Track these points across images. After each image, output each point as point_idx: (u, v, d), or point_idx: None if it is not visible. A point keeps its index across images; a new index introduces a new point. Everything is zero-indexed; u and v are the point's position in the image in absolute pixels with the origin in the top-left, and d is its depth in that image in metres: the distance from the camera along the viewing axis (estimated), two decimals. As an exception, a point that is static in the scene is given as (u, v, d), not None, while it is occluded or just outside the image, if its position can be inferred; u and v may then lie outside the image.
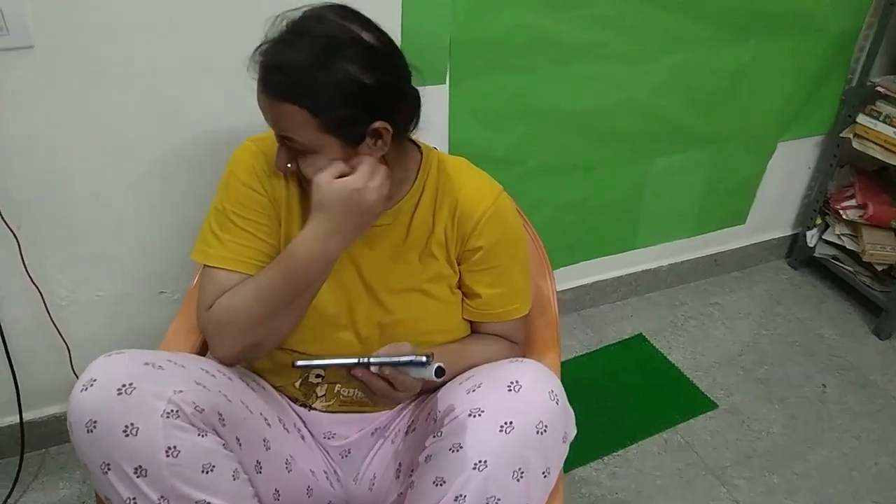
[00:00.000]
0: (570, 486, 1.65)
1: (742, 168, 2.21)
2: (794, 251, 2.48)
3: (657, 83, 1.88)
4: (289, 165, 0.93)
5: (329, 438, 1.07)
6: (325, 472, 1.05)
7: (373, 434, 1.09)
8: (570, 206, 1.98)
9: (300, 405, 1.09)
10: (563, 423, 0.86)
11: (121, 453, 0.77)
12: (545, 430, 0.82)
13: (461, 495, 0.82)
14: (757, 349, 2.11)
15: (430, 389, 1.04)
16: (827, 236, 2.36)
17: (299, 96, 0.85)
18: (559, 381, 0.91)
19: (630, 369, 2.02)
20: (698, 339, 2.14)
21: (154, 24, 1.30)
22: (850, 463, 1.75)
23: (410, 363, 0.85)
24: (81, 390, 0.79)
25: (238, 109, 1.35)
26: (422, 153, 1.09)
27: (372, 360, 0.87)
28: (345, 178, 0.88)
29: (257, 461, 0.92)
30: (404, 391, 0.90)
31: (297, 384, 1.07)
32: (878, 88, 2.05)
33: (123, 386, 0.78)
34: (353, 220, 0.89)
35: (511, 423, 0.82)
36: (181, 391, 0.81)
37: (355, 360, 0.88)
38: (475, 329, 1.12)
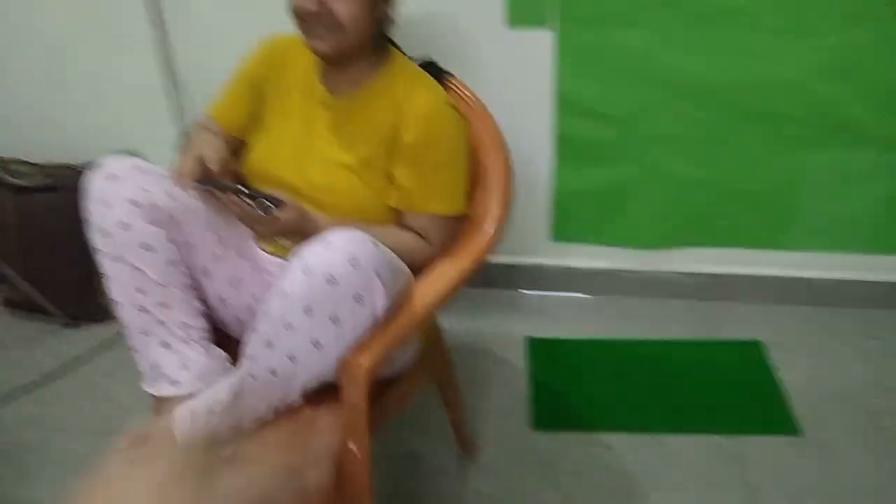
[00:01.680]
0: (589, 444, 1.66)
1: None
2: None
3: (819, 65, 1.68)
4: (321, 7, 1.13)
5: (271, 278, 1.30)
6: None
7: None
8: (699, 183, 1.89)
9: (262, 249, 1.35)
10: (358, 285, 0.98)
11: (96, 219, 1.13)
12: (335, 283, 0.96)
13: (268, 313, 1.03)
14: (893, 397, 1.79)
15: None
16: None
17: None
18: (380, 255, 1.01)
19: (723, 368, 1.88)
20: (824, 369, 1.88)
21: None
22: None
23: (262, 197, 1.10)
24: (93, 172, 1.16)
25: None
26: (390, 54, 1.28)
27: (241, 187, 1.13)
28: None
29: (205, 267, 1.22)
30: (259, 224, 1.14)
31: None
32: None
33: (114, 175, 1.13)
34: None
35: (309, 268, 0.98)
36: (148, 191, 1.13)
37: (234, 186, 1.14)
38: (398, 221, 1.26)
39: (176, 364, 1.15)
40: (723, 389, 1.82)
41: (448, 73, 1.36)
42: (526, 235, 2.06)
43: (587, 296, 2.13)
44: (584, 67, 1.75)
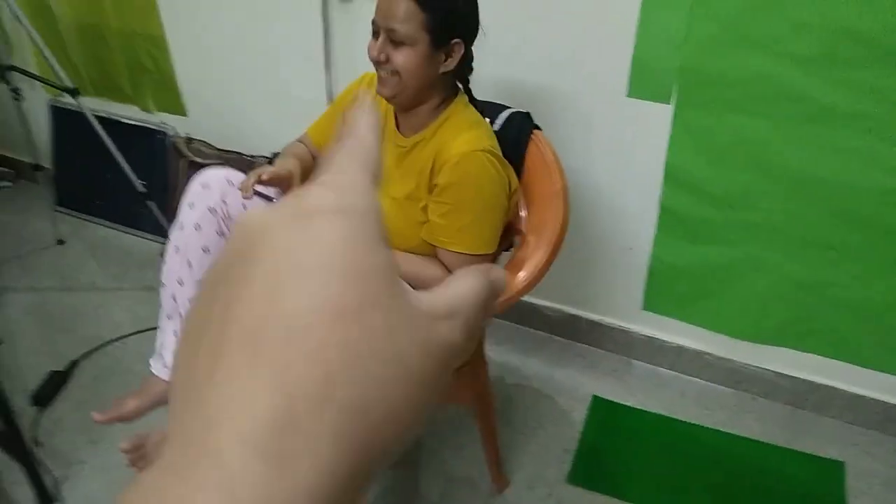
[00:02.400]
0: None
1: None
2: None
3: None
4: (381, 55, 1.25)
5: None
6: None
7: None
8: (802, 283, 1.82)
9: None
10: None
11: (181, 215, 1.38)
12: None
13: None
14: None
15: None
16: None
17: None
18: None
19: (792, 481, 1.77)
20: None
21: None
22: None
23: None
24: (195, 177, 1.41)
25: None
26: (454, 100, 1.37)
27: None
28: None
29: None
30: None
31: None
32: None
33: (206, 184, 1.38)
34: None
35: None
36: (227, 204, 1.36)
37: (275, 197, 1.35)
38: (434, 254, 1.37)
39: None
40: (783, 503, 1.72)
41: (536, 126, 1.47)
42: (618, 298, 2.09)
43: (667, 370, 2.11)
44: (696, 145, 1.77)
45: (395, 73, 1.26)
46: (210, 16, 2.30)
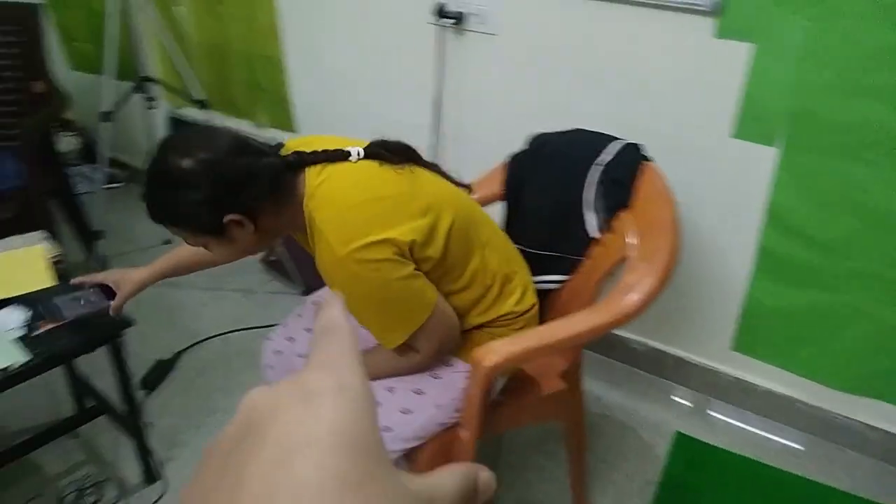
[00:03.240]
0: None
1: None
2: None
3: None
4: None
5: None
6: None
7: None
8: (903, 335, 1.80)
9: None
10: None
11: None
12: None
13: None
14: None
15: None
16: None
17: (164, 221, 1.16)
18: None
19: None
20: None
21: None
22: None
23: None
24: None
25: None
26: (302, 195, 1.18)
27: None
28: None
29: None
30: None
31: None
32: None
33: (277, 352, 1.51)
34: None
35: None
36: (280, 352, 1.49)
37: None
38: None
39: None
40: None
41: (647, 157, 1.52)
42: (708, 337, 2.09)
43: (755, 414, 2.09)
44: (801, 188, 1.78)
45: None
46: (328, 42, 2.46)
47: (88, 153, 3.38)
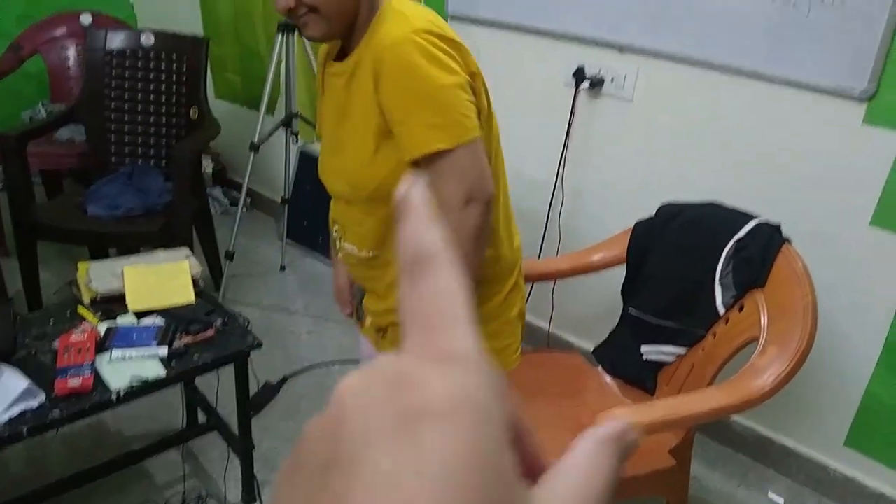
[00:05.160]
0: None
1: None
2: None
3: None
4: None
5: None
6: None
7: None
8: None
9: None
10: None
11: None
12: None
13: None
14: None
15: None
16: None
17: None
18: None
19: None
20: None
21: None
22: None
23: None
24: None
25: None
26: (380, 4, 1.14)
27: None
28: None
29: None
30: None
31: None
32: None
33: None
34: None
35: None
36: None
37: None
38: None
39: None
40: None
41: (786, 238, 1.50)
42: (819, 428, 2.00)
43: (863, 516, 1.98)
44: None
45: (313, 9, 1.09)
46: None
47: (220, 176, 3.60)
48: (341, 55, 1.19)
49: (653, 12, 1.94)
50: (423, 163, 1.09)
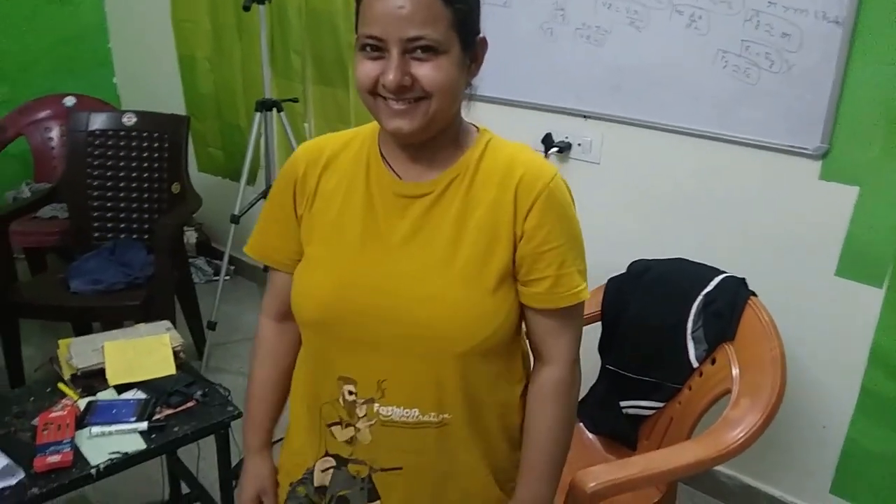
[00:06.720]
0: None
1: None
2: None
3: None
4: (406, 78, 0.88)
5: None
6: None
7: None
8: None
9: None
10: None
11: None
12: None
13: None
14: None
15: None
16: None
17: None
18: None
19: None
20: None
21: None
22: None
23: None
24: None
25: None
26: (473, 126, 1.02)
27: None
28: None
29: None
30: None
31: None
32: None
33: None
34: None
35: None
36: None
37: None
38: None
39: None
40: None
41: (752, 292, 1.55)
42: (804, 477, 2.01)
43: (853, 566, 1.96)
44: (906, 331, 1.76)
45: (423, 96, 0.90)
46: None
47: (203, 247, 3.63)
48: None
49: (614, 83, 2.04)
50: (550, 311, 0.99)
